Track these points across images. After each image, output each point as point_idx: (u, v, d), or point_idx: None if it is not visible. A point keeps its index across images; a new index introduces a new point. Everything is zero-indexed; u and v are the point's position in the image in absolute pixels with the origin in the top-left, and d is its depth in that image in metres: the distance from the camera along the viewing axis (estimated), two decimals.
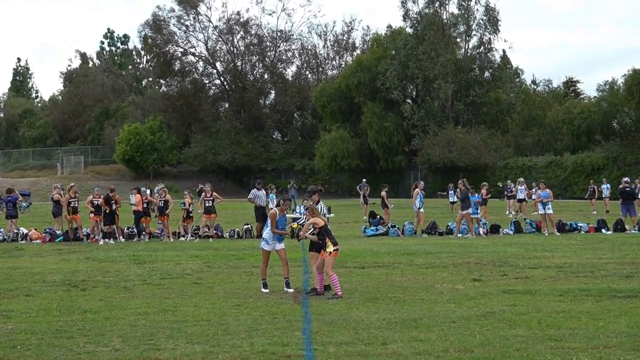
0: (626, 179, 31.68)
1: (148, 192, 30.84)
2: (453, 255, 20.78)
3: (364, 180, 47.27)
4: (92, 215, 27.78)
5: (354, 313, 12.41)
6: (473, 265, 18.51)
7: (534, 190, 39.82)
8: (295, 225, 20.11)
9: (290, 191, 54.45)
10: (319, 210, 15.41)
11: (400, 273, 17.31)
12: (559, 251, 21.73)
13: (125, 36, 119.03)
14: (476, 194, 29.09)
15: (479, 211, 28.69)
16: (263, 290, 14.69)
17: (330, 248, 14.22)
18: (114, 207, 27.68)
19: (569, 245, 23.76)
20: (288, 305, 13.23)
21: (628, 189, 30.94)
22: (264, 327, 11.33)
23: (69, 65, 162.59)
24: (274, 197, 38.38)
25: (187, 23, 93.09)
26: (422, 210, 28.97)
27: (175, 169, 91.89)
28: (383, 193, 34.09)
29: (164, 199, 28.81)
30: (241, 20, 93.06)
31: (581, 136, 74.43)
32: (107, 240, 27.27)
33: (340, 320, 11.80)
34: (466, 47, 78.58)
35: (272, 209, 36.44)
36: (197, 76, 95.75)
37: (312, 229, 14.88)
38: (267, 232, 15.01)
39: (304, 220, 15.59)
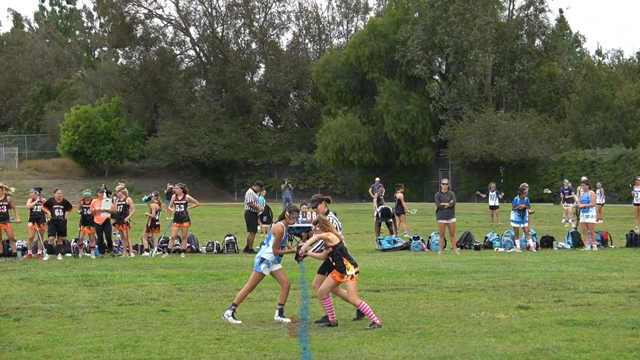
0: None
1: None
2: (493, 276, 20.77)
3: (377, 179, 47.29)
4: (30, 224, 27.85)
5: (366, 349, 12.40)
6: (519, 289, 18.51)
7: (598, 192, 39.74)
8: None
9: (284, 193, 54.56)
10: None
11: (426, 298, 17.30)
12: (631, 270, 21.70)
13: None
14: (526, 198, 29.06)
15: (526, 219, 28.66)
16: (232, 320, 14.62)
17: (352, 270, 14.26)
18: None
19: None
20: (281, 339, 13.22)
21: None
22: None
23: None
24: (263, 200, 38.39)
25: None
26: None
27: (137, 164, 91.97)
28: (399, 195, 34.11)
29: (123, 202, 28.83)
30: None
31: None
32: (54, 255, 27.31)
33: (349, 359, 11.79)
34: (511, 7, 78.62)
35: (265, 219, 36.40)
36: (165, 45, 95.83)
37: (319, 246, 14.86)
38: (267, 253, 14.91)
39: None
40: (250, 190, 30.78)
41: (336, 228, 15.05)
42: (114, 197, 29.27)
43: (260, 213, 31.88)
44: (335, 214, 16.09)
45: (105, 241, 28.93)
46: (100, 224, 28.11)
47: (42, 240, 28.24)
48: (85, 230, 28.15)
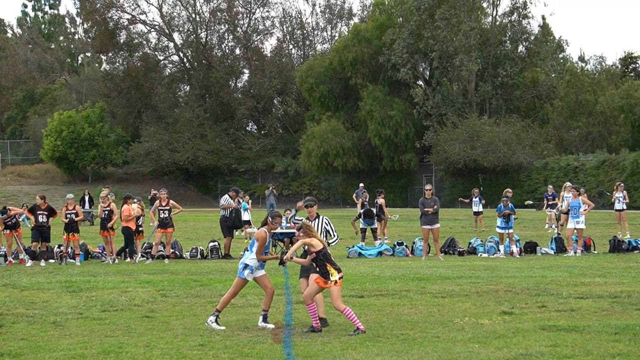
0: None
1: (71, 196, 30.50)
2: (477, 281, 20.81)
3: (361, 185, 47.35)
4: (7, 231, 27.84)
5: (350, 355, 12.40)
6: (503, 294, 18.54)
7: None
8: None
9: (268, 198, 54.51)
10: (321, 227, 15.48)
11: (410, 304, 17.32)
12: (613, 276, 21.77)
13: None
14: (510, 204, 29.12)
15: (511, 224, 28.72)
16: (215, 326, 14.60)
17: (336, 276, 14.26)
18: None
19: (627, 268, 23.81)
20: (265, 345, 13.22)
21: None
22: None
23: None
24: (247, 206, 38.42)
25: None
26: None
27: (120, 170, 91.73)
28: (381, 200, 34.14)
29: (107, 208, 28.76)
30: None
31: None
32: (37, 261, 27.27)
33: None
34: (494, 13, 78.79)
35: (247, 223, 36.25)
36: (148, 50, 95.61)
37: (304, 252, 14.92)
38: (251, 259, 14.88)
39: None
40: (225, 196, 30.99)
41: (328, 232, 15.24)
42: (101, 204, 29.27)
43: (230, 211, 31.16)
44: (328, 219, 16.15)
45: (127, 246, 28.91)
46: (132, 229, 28.14)
47: (20, 243, 28.22)
48: (71, 238, 28.00)
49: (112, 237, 28.58)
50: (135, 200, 30.72)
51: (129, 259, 28.17)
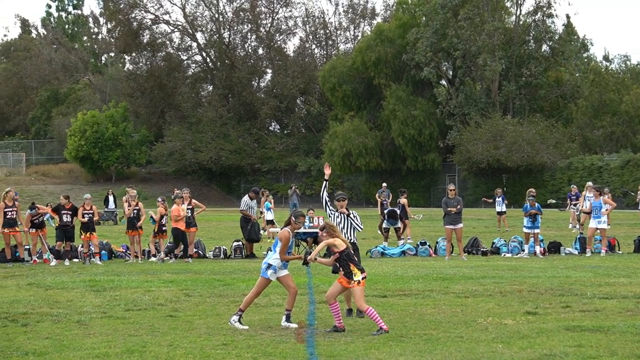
0: None
1: (88, 196, 30.55)
2: (500, 281, 20.75)
3: (384, 184, 47.25)
4: (32, 230, 27.99)
5: (373, 354, 12.39)
6: (526, 294, 18.48)
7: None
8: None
9: (291, 198, 54.49)
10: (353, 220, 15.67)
11: (433, 304, 17.29)
12: (638, 276, 21.66)
13: None
14: (536, 204, 28.95)
15: (537, 224, 28.54)
16: (238, 325, 14.60)
17: (359, 276, 14.26)
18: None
19: None
20: (288, 345, 13.22)
21: None
22: None
23: (5, 36, 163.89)
24: (270, 205, 38.40)
25: None
26: None
27: (144, 169, 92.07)
28: (404, 200, 34.06)
29: (137, 208, 28.87)
30: None
31: None
32: (61, 261, 27.39)
33: None
34: (518, 12, 78.53)
35: (270, 222, 36.13)
36: (172, 50, 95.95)
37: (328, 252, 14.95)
38: (274, 258, 14.89)
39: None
40: (245, 198, 30.75)
41: (355, 228, 15.98)
42: (131, 203, 29.31)
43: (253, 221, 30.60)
44: (357, 215, 16.33)
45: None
46: (182, 230, 28.10)
47: (45, 242, 28.37)
48: (91, 237, 28.05)
49: (140, 236, 28.73)
50: (160, 200, 30.80)
51: (187, 259, 27.96)
